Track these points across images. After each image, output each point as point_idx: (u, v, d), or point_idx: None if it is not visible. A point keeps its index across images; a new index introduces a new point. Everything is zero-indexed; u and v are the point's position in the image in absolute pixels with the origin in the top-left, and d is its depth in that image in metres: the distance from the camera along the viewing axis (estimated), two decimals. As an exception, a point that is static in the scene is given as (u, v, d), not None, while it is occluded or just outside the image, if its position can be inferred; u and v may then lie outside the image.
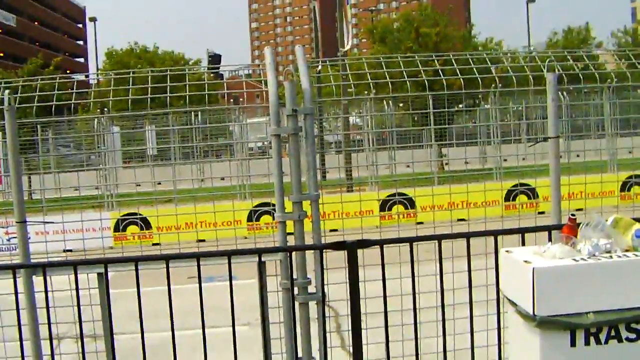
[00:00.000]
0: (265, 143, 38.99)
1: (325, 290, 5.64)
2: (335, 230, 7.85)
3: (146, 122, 32.98)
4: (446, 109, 20.31)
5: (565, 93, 25.80)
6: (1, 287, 5.62)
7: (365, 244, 5.14)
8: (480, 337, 5.58)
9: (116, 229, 21.04)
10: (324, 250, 5.49)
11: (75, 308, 5.26)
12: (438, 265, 5.25)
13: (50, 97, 7.07)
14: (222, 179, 28.05)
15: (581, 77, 8.00)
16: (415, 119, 32.81)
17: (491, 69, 8.22)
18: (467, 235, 5.26)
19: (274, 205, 5.87)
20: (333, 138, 37.90)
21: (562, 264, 4.30)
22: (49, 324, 5.09)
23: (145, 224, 19.70)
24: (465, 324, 5.46)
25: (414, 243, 5.24)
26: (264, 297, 5.55)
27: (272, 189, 5.86)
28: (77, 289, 5.09)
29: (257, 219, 19.76)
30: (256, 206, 19.92)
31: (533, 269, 4.21)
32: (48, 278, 5.29)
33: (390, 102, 29.25)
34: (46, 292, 5.14)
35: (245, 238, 15.11)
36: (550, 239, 5.10)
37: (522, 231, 5.34)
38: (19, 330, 5.21)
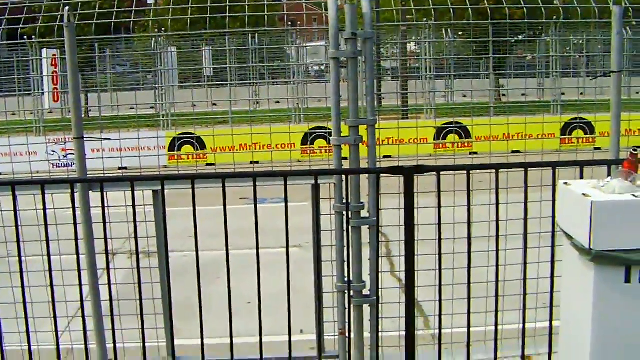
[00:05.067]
0: (322, 67, 38.84)
1: (377, 215, 5.65)
2: (389, 156, 7.82)
3: (203, 43, 32.98)
4: (507, 38, 19.99)
5: (628, 28, 25.23)
6: (59, 202, 5.70)
7: (423, 169, 5.09)
8: (533, 269, 5.55)
9: (171, 148, 21.20)
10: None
11: (131, 224, 5.33)
12: (494, 195, 5.19)
13: (108, 15, 7.06)
14: (278, 102, 28.11)
15: (647, 11, 7.79)
16: (474, 48, 32.33)
17: (554, -2, 8.04)
18: (525, 166, 5.18)
19: (328, 129, 5.85)
20: (390, 64, 37.59)
21: (621, 199, 4.23)
22: (105, 239, 5.15)
23: (200, 144, 19.88)
24: (517, 255, 5.43)
25: (470, 172, 5.18)
26: (318, 219, 5.56)
27: (327, 113, 5.83)
28: (133, 205, 5.14)
29: (312, 143, 19.78)
30: (311, 130, 19.93)
31: (591, 202, 4.14)
32: (104, 194, 5.36)
33: (449, 30, 28.88)
34: (103, 206, 5.19)
35: (299, 161, 15.14)
36: (609, 174, 5.02)
37: (580, 164, 5.26)
38: (76, 244, 5.29)
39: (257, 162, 8.97)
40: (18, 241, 5.11)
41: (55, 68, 24.21)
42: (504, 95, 29.00)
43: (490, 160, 6.36)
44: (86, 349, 5.40)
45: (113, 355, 5.42)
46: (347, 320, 5.83)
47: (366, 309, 5.98)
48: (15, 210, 5.13)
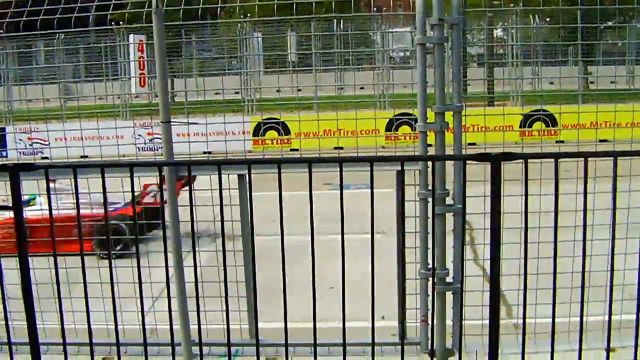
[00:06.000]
0: (407, 53, 38.64)
1: (461, 203, 5.60)
2: (474, 144, 7.76)
3: (288, 28, 33.10)
4: (596, 25, 19.61)
5: None
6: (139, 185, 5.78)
7: (511, 157, 5.00)
8: (620, 260, 5.45)
9: (255, 133, 21.37)
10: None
11: (216, 207, 5.38)
12: (581, 184, 5.09)
13: (195, 1, 7.14)
14: (362, 87, 28.05)
15: None
16: (562, 34, 31.77)
17: (648, -19, 7.85)
18: (615, 154, 5.06)
19: (413, 115, 5.82)
20: (475, 51, 37.21)
21: None
22: (192, 221, 5.19)
23: (284, 129, 19.98)
24: (604, 246, 5.33)
25: (558, 160, 5.08)
26: (402, 206, 5.54)
27: (412, 99, 5.80)
28: (220, 188, 5.18)
29: (396, 129, 19.70)
30: (396, 115, 19.84)
31: (683, 193, 4.06)
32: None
33: (537, 15, 28.44)
34: (190, 189, 5.25)
35: (383, 147, 15.10)
36: (701, 164, 4.89)
37: (672, 154, 5.13)
38: (163, 226, 5.36)
39: (341, 148, 8.96)
40: (106, 222, 5.21)
41: (142, 53, 24.59)
42: (592, 82, 28.43)
43: (578, 148, 6.25)
44: (171, 329, 5.48)
45: (197, 336, 5.49)
46: (429, 307, 5.81)
47: (448, 296, 5.96)
48: (104, 192, 5.23)
